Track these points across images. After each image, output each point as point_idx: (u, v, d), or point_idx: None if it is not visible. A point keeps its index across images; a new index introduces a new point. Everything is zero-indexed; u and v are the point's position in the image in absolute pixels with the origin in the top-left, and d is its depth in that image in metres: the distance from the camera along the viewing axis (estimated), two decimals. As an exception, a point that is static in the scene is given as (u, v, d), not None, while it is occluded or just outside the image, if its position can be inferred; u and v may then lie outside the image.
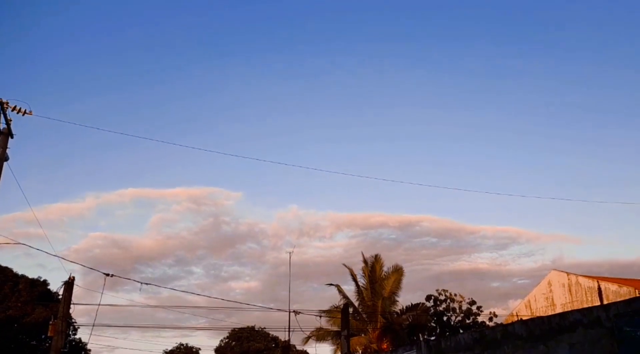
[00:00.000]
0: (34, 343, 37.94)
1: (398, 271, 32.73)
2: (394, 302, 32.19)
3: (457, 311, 38.94)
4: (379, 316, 31.00)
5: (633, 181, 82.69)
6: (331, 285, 32.57)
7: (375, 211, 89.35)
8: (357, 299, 32.53)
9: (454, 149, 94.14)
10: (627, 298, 15.30)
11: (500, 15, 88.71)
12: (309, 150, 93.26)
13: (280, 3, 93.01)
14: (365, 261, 32.72)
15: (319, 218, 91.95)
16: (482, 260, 77.60)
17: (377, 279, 32.12)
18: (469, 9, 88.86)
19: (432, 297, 38.51)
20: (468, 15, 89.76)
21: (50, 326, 21.79)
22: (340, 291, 32.43)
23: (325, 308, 31.89)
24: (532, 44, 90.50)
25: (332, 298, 33.10)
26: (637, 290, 29.06)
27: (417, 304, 35.30)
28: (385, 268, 32.73)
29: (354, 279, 32.64)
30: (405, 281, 32.75)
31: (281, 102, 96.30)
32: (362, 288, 32.44)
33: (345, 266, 33.08)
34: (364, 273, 32.65)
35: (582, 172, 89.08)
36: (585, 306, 26.73)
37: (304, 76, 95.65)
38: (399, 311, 33.13)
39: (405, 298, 51.51)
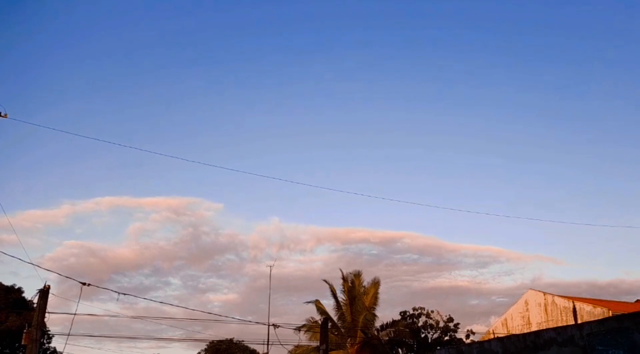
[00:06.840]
0: (7, 351, 37.25)
1: (375, 284, 32.76)
2: (373, 316, 32.14)
3: (435, 327, 39.16)
4: (359, 331, 30.97)
5: (615, 204, 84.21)
6: (310, 302, 32.39)
7: (357, 226, 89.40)
8: (337, 315, 32.44)
9: (438, 167, 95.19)
10: (600, 318, 15.66)
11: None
12: (292, 163, 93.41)
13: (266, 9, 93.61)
14: (344, 278, 32.62)
15: (300, 231, 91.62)
16: (462, 278, 78.16)
17: (357, 294, 32.10)
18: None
19: (407, 314, 38.66)
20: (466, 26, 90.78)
21: (24, 334, 21.41)
22: (320, 307, 32.29)
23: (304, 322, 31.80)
24: (523, 53, 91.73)
25: (312, 312, 32.88)
26: (610, 311, 29.63)
27: (397, 321, 35.40)
28: (365, 284, 32.76)
29: (334, 295, 32.56)
30: (385, 297, 32.87)
31: (266, 114, 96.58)
32: (341, 304, 32.39)
33: (326, 282, 32.88)
34: (343, 288, 32.60)
35: (565, 193, 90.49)
36: (560, 325, 27.19)
37: (289, 86, 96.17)
38: (378, 327, 33.14)
39: (385, 314, 51.60)
